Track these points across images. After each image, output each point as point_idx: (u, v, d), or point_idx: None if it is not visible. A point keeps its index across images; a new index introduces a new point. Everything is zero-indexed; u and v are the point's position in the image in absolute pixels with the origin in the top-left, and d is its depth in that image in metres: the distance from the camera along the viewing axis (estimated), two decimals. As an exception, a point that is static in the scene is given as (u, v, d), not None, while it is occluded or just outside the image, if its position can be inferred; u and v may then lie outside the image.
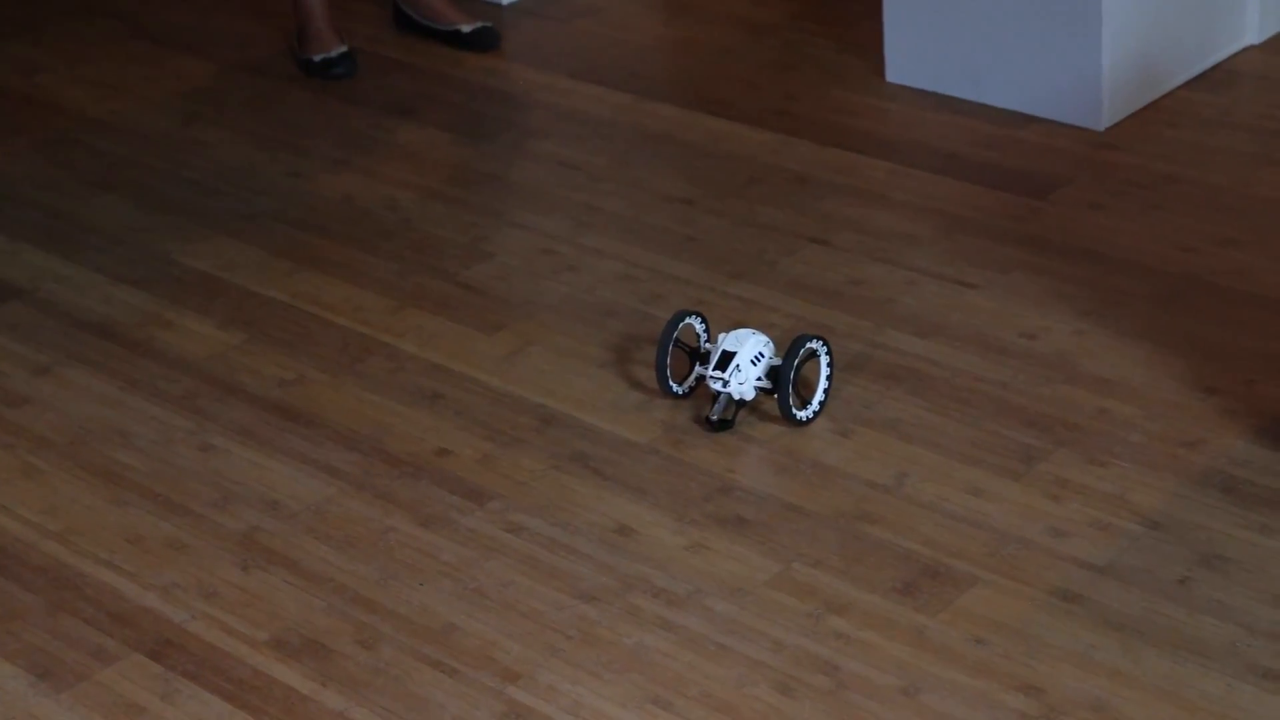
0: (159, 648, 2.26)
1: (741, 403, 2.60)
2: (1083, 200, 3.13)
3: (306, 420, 2.69)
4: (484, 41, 3.83)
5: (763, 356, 2.59)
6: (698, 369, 2.64)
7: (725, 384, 2.56)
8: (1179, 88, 3.46)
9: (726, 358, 2.57)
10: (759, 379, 2.58)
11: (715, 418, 2.57)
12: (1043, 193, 3.16)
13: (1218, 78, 3.49)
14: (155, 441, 2.66)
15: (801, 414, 2.57)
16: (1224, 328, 2.76)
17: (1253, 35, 3.58)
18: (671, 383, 2.64)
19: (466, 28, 3.84)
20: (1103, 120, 3.33)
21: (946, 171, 3.26)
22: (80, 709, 2.18)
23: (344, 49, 3.78)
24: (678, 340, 2.64)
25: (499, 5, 4.02)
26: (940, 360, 2.72)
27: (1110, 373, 2.66)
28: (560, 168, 3.38)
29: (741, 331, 2.61)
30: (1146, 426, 2.54)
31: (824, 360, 2.60)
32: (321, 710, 2.15)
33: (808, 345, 2.57)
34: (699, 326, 2.68)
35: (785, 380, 2.54)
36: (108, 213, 3.32)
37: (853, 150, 3.35)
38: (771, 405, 2.61)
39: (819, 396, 2.59)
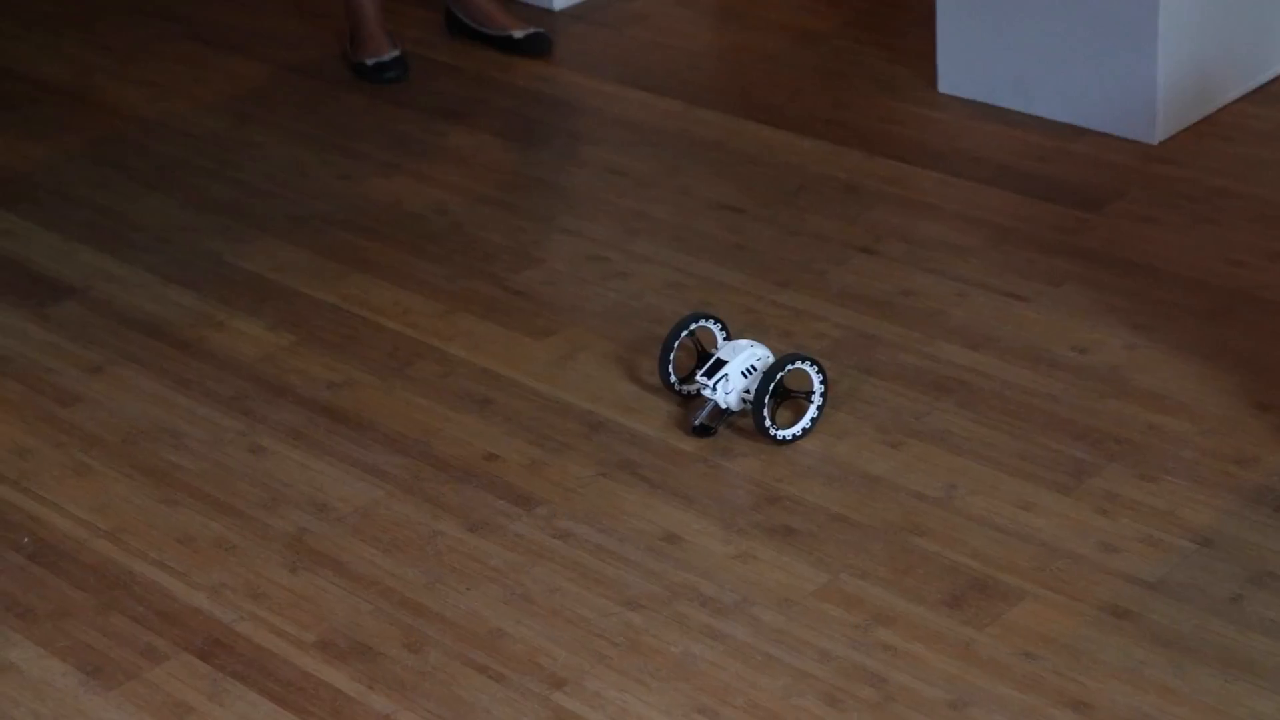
0: (208, 647, 2.27)
1: (729, 411, 2.59)
2: (1135, 213, 3.12)
3: (355, 423, 2.69)
4: (536, 47, 3.84)
5: (754, 369, 2.58)
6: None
7: (712, 390, 2.56)
8: (1234, 101, 3.44)
9: (718, 365, 2.58)
10: (746, 391, 2.57)
11: (697, 423, 2.58)
12: (1094, 205, 3.15)
13: (1274, 92, 3.47)
14: (205, 442, 2.67)
15: (782, 432, 2.55)
16: (1278, 343, 2.73)
17: (1308, 49, 3.56)
18: (675, 380, 2.64)
19: (518, 33, 3.84)
20: (1156, 133, 3.31)
21: (997, 183, 3.25)
22: (129, 707, 2.19)
23: (396, 53, 3.79)
24: (694, 342, 2.64)
25: (551, 11, 4.03)
26: (990, 372, 2.71)
27: (1162, 387, 2.65)
28: (609, 174, 3.38)
29: (741, 342, 2.61)
30: (1198, 442, 2.53)
31: (816, 382, 2.57)
32: (368, 713, 2.16)
33: (796, 366, 2.56)
34: (716, 330, 2.68)
35: (760, 396, 2.53)
36: (159, 213, 3.34)
37: (903, 160, 3.34)
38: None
39: (810, 415, 2.57)
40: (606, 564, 2.38)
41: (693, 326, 2.67)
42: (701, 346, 2.67)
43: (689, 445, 2.59)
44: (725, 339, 2.69)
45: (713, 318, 2.69)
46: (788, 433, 2.55)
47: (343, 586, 2.37)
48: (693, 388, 2.65)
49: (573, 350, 2.84)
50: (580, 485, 2.53)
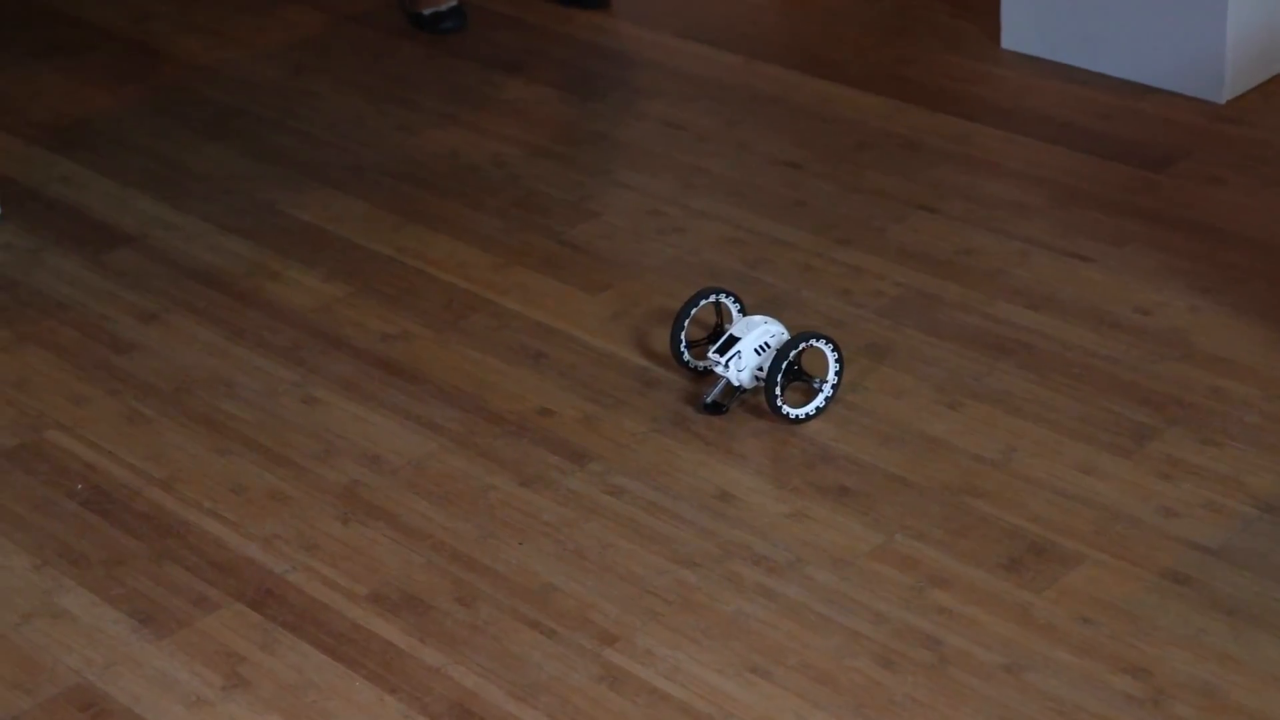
0: (260, 598, 2.27)
1: (740, 389, 2.55)
2: (1201, 174, 3.07)
3: (409, 375, 2.68)
4: (594, -1, 3.81)
5: (767, 347, 2.54)
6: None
7: (725, 367, 2.53)
8: (1304, 61, 3.38)
9: (731, 342, 2.54)
10: (759, 369, 2.53)
11: (708, 400, 2.54)
12: (1160, 165, 3.10)
13: (1345, 51, 3.40)
14: (259, 392, 2.67)
15: (794, 411, 2.50)
16: (1345, 308, 2.69)
17: (1382, 8, 3.48)
18: (689, 356, 2.61)
19: (577, -16, 3.82)
20: (1224, 93, 3.26)
21: (1061, 141, 3.20)
22: (181, 655, 2.19)
23: (454, 3, 3.77)
24: (708, 318, 2.61)
25: (609, -38, 3.99)
26: (1052, 334, 2.68)
27: (1226, 351, 2.61)
28: (668, 128, 3.35)
29: (755, 318, 2.57)
30: (1263, 407, 2.48)
31: (831, 360, 2.53)
32: (419, 666, 2.15)
33: (811, 344, 2.51)
34: (732, 306, 2.64)
35: (772, 374, 2.49)
36: (216, 161, 3.34)
37: (965, 117, 3.30)
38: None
39: (823, 395, 2.52)
40: (659, 521, 2.36)
41: (704, 302, 2.62)
42: (715, 322, 2.64)
43: (743, 403, 2.57)
44: (740, 314, 2.64)
45: (728, 293, 2.64)
46: (800, 411, 2.51)
47: (395, 539, 2.36)
48: (705, 364, 2.61)
49: (628, 305, 2.82)
50: (634, 441, 2.51)
